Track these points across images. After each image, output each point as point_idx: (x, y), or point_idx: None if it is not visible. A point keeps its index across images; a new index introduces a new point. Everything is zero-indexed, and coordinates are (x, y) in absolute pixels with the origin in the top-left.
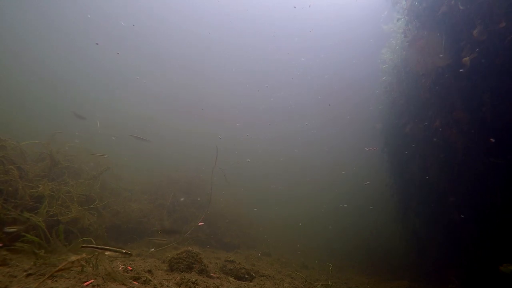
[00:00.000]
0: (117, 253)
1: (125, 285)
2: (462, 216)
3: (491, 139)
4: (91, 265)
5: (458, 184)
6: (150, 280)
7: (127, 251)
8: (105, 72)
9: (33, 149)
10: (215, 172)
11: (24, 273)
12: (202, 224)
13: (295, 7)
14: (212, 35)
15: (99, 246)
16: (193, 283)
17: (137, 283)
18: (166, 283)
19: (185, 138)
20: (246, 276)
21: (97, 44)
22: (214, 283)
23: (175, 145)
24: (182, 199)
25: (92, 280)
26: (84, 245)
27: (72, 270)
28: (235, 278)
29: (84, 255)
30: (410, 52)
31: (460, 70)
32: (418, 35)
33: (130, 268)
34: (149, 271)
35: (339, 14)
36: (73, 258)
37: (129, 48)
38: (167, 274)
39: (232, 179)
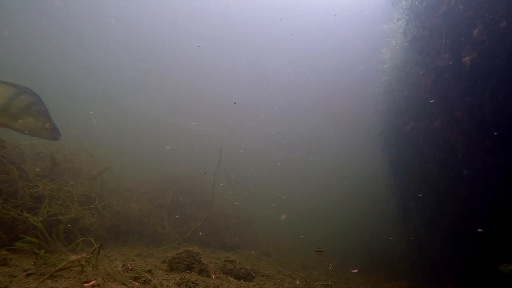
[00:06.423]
0: None
1: (125, 285)
2: (461, 216)
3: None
4: (91, 265)
5: (458, 184)
6: (150, 280)
7: None
8: (112, 72)
9: (33, 149)
10: (217, 173)
11: (24, 273)
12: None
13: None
14: (215, 36)
15: None
16: (193, 283)
17: (137, 283)
18: (166, 283)
19: (191, 138)
20: (246, 276)
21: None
22: (214, 283)
23: (181, 145)
24: (181, 199)
25: (94, 281)
26: None
27: (72, 270)
28: (235, 278)
29: (84, 254)
30: (410, 52)
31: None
32: (418, 35)
33: (130, 268)
34: (149, 271)
35: (339, 14)
36: (73, 258)
37: (136, 49)
38: (167, 274)
39: (234, 180)
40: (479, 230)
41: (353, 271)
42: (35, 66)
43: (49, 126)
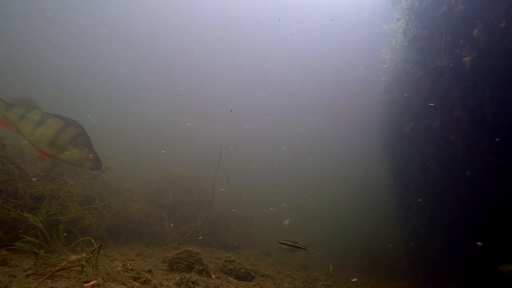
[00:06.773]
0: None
1: (125, 285)
2: (461, 216)
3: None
4: (91, 265)
5: (458, 184)
6: (150, 280)
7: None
8: (113, 72)
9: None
10: (217, 174)
11: (24, 273)
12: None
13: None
14: (214, 36)
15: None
16: (193, 283)
17: (137, 283)
18: (166, 283)
19: (192, 139)
20: (246, 276)
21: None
22: (214, 283)
23: (181, 145)
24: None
25: (94, 281)
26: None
27: (72, 270)
28: (235, 278)
29: (84, 254)
30: (410, 52)
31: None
32: (418, 35)
33: (130, 268)
34: (149, 271)
35: (339, 14)
36: (73, 257)
37: (136, 49)
38: (167, 274)
39: (234, 180)
40: (479, 243)
41: (353, 280)
42: (35, 66)
43: (93, 157)
